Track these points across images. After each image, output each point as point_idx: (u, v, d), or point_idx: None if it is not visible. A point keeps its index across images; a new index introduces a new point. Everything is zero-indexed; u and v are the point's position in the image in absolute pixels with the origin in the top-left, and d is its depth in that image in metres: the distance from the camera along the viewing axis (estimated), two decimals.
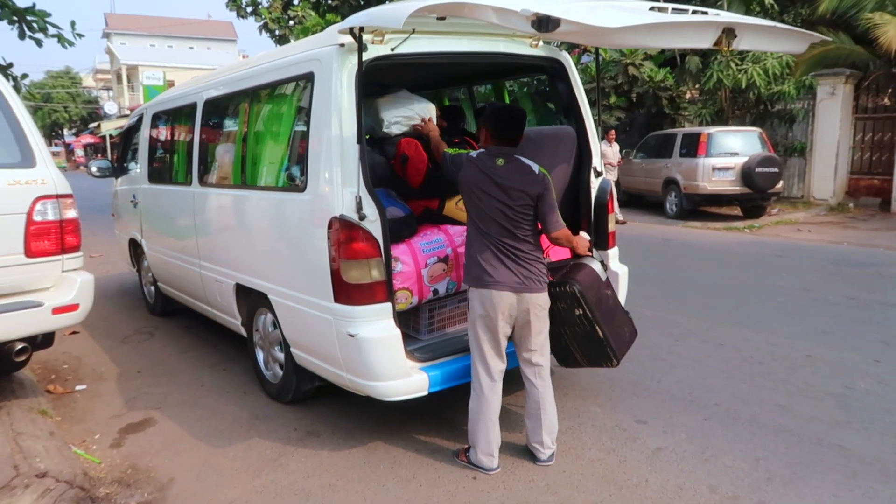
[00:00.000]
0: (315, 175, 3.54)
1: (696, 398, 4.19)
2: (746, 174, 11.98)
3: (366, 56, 3.30)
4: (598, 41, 3.27)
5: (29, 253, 3.82)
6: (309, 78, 3.64)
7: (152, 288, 6.57)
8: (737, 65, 14.11)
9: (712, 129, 12.87)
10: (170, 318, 6.45)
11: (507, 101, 5.88)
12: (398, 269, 3.60)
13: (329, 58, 3.48)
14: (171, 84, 34.09)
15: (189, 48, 57.38)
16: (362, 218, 3.32)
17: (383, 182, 3.87)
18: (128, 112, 41.12)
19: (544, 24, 2.45)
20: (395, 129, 4.10)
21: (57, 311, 3.88)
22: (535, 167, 3.27)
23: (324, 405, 4.19)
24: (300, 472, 3.44)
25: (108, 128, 42.69)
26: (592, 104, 4.49)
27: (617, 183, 15.43)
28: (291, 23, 22.27)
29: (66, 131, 58.32)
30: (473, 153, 3.39)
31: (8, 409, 4.04)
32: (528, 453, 3.46)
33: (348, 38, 3.32)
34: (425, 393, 3.42)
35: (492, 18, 2.66)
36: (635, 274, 4.73)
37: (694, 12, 3.00)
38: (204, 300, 5.22)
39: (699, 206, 13.12)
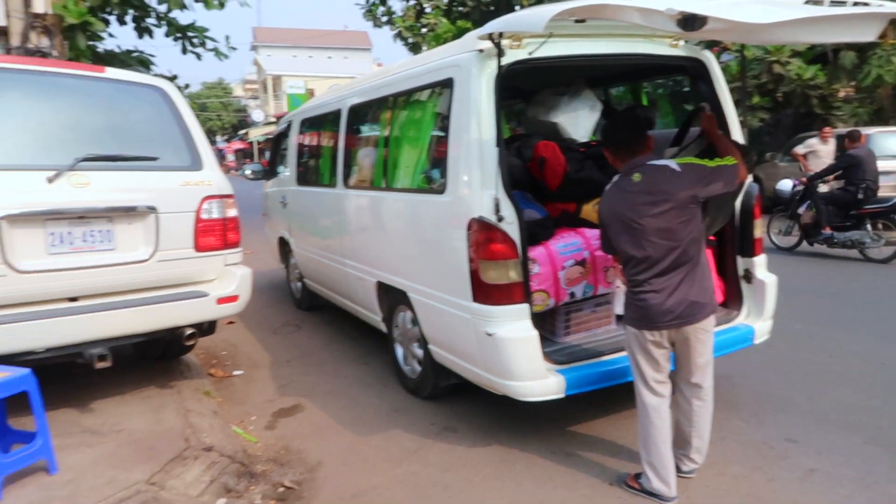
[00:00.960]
0: (454, 177, 3.65)
1: (855, 420, 3.88)
2: None
3: (504, 61, 3.36)
4: (746, 38, 3.13)
5: (197, 247, 4.21)
6: (448, 83, 3.75)
7: (299, 284, 7.01)
8: None
9: (871, 130, 11.81)
10: (314, 313, 6.86)
11: (645, 102, 5.73)
12: (535, 270, 3.63)
13: (468, 63, 3.57)
14: (311, 92, 36.04)
15: (328, 58, 60.43)
16: (500, 220, 3.38)
17: (520, 185, 3.91)
18: (273, 119, 43.96)
19: (690, 22, 2.40)
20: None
21: (220, 301, 4.24)
22: (674, 164, 2.98)
23: (460, 402, 4.29)
24: (438, 466, 3.55)
25: (255, 134, 45.87)
26: (737, 104, 4.28)
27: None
28: (424, 30, 22.84)
29: (218, 138, 63.24)
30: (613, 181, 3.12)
31: (179, 389, 4.48)
32: None
33: (487, 44, 3.40)
34: (562, 395, 3.42)
35: (635, 19, 2.62)
36: (785, 287, 4.45)
37: (855, 3, 2.78)
38: (347, 296, 5.51)
39: None
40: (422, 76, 4.16)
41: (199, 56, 13.83)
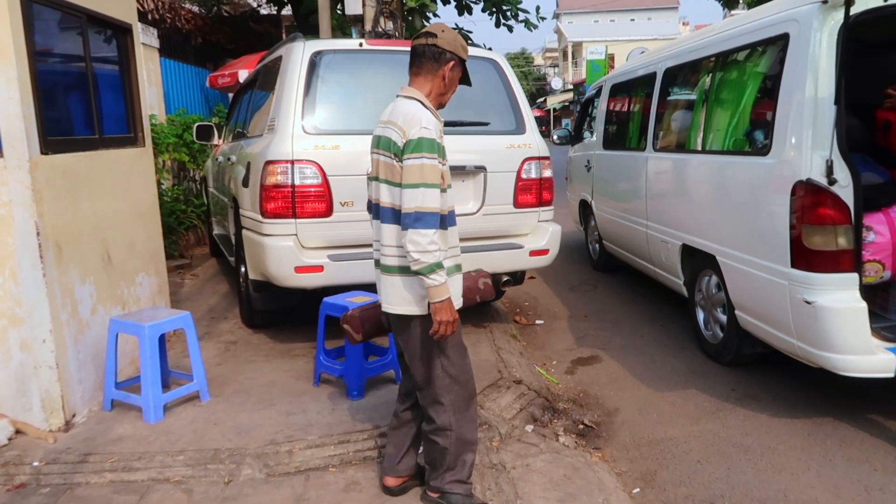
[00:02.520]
0: (781, 138, 3.50)
1: None
2: None
3: (854, 10, 3.11)
4: None
5: (516, 204, 4.66)
6: (783, 39, 3.58)
7: (597, 245, 7.24)
8: None
9: None
10: (611, 274, 7.05)
11: None
12: (870, 238, 3.35)
13: (808, 17, 3.37)
14: (611, 57, 35.57)
15: (630, 20, 58.84)
16: (832, 183, 3.18)
17: (860, 147, 3.60)
18: (570, 87, 44.43)
19: None
20: None
21: (533, 253, 4.67)
22: None
23: (763, 372, 4.16)
24: (738, 429, 3.54)
25: (553, 102, 46.90)
26: None
27: None
28: None
29: None
30: None
31: (490, 329, 5.05)
32: None
33: None
34: (890, 375, 3.15)
35: None
36: None
37: None
38: (647, 259, 5.58)
39: None
40: (752, 33, 4.01)
41: (510, 28, 14.72)
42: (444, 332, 2.40)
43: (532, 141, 4.69)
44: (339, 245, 4.34)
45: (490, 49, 14.25)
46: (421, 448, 2.83)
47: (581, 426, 3.71)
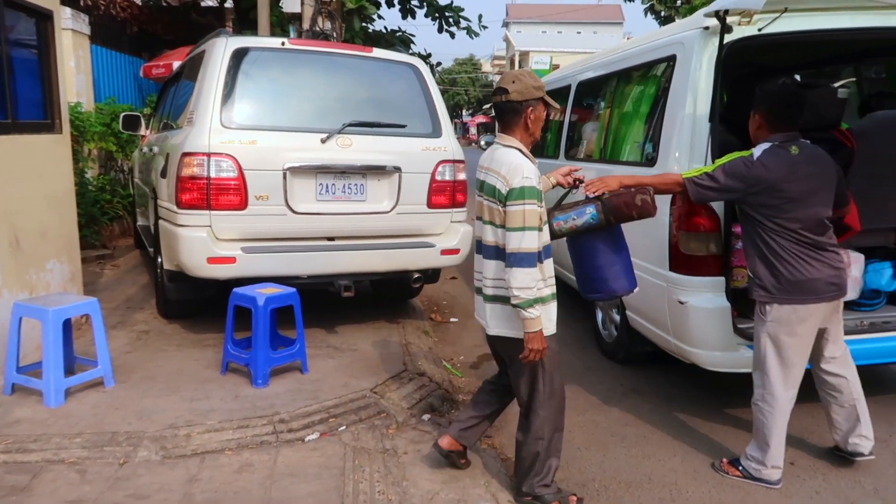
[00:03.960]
0: (665, 151, 3.79)
1: None
2: None
3: (731, 38, 3.42)
4: None
5: (429, 204, 4.86)
6: (671, 60, 3.88)
7: None
8: None
9: None
10: None
11: None
12: (738, 246, 3.65)
13: (692, 41, 3.67)
14: (555, 67, 36.37)
15: (577, 33, 60.27)
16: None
17: None
18: None
19: None
20: None
21: (444, 252, 4.87)
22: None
23: (652, 369, 4.46)
24: (619, 420, 3.81)
25: None
26: None
27: None
28: (679, 2, 21.85)
29: (464, 112, 66.58)
30: (759, 148, 3.02)
31: (403, 325, 5.23)
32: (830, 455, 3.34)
33: (713, 21, 3.46)
34: (749, 370, 3.45)
35: None
36: None
37: None
38: (559, 262, 5.82)
39: None
40: (647, 53, 4.32)
41: (452, 35, 14.94)
42: (534, 358, 2.66)
43: (447, 144, 4.90)
44: (253, 238, 4.45)
45: (430, 55, 14.42)
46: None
47: None
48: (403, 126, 4.81)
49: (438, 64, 14.84)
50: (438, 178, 4.85)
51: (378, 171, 4.70)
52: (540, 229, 2.65)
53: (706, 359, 3.51)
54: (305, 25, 9.61)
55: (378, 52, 5.04)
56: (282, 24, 11.39)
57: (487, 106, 55.30)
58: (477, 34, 15.25)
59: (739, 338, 3.51)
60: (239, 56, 4.53)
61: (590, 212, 2.99)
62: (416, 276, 4.87)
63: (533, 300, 2.56)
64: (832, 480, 3.15)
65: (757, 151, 3.03)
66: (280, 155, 4.44)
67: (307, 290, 4.63)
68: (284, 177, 4.43)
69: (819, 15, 3.58)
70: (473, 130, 58.07)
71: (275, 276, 4.37)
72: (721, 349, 3.48)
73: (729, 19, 3.35)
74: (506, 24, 64.91)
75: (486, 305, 2.82)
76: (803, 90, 3.32)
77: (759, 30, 3.49)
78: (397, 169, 4.71)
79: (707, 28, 3.59)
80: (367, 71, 4.93)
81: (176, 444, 3.23)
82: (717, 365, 3.51)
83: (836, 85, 4.90)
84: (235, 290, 4.01)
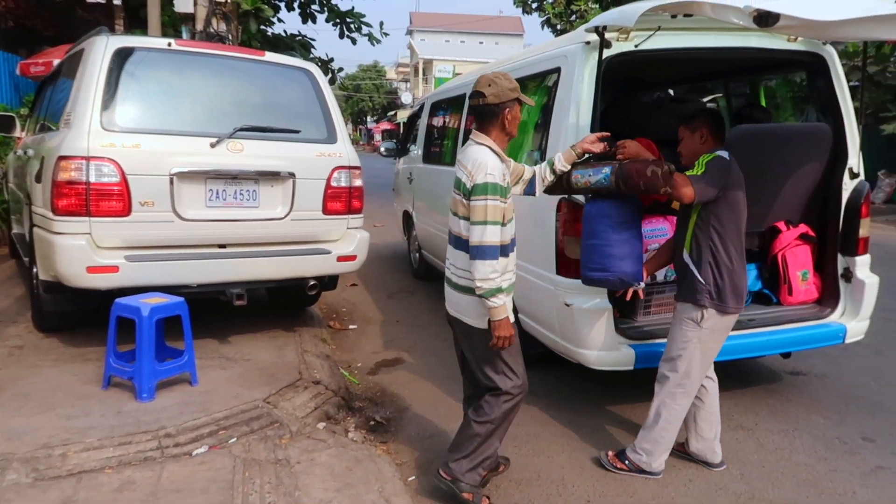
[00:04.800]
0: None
1: None
2: None
3: (609, 53, 3.60)
4: (820, 34, 3.17)
5: (325, 210, 4.82)
6: (556, 72, 4.04)
7: (417, 255, 7.57)
8: None
9: None
10: (429, 282, 7.39)
11: (763, 99, 5.63)
12: None
13: (574, 54, 3.84)
14: (458, 76, 36.89)
15: (479, 43, 61.33)
16: (588, 201, 3.64)
17: None
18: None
19: (764, 19, 2.55)
20: None
21: (340, 259, 4.84)
22: None
23: (546, 370, 4.59)
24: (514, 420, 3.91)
25: (403, 116, 47.64)
26: (881, 88, 4.18)
27: None
28: (574, 17, 22.69)
29: (368, 118, 66.33)
30: (723, 153, 3.15)
31: (300, 333, 5.15)
32: None
33: (594, 37, 3.64)
34: (630, 368, 3.65)
35: (711, 13, 2.81)
36: None
37: None
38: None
39: None
40: (535, 65, 4.47)
41: (354, 41, 14.84)
42: (502, 345, 2.76)
43: (343, 150, 4.88)
44: (138, 246, 4.27)
45: (331, 60, 14.27)
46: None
47: (372, 422, 3.92)
48: (297, 131, 4.75)
49: (340, 69, 14.73)
50: (334, 184, 4.82)
51: (272, 176, 4.62)
52: (503, 224, 2.75)
53: (591, 358, 3.67)
54: (199, 26, 9.30)
55: (271, 56, 4.95)
56: (174, 24, 10.96)
57: (392, 113, 55.40)
58: (378, 41, 15.26)
59: (621, 337, 3.70)
60: (122, 56, 4.34)
61: (605, 171, 3.10)
62: (312, 283, 4.81)
63: (495, 289, 2.67)
64: (703, 468, 3.36)
65: (724, 154, 3.13)
66: (166, 159, 4.28)
67: (198, 300, 4.49)
68: (171, 182, 4.28)
69: (689, 34, 3.84)
70: (378, 137, 57.94)
71: (162, 285, 4.20)
72: (604, 349, 3.65)
73: (608, 35, 3.53)
74: (409, 32, 65.17)
75: (456, 293, 2.90)
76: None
77: (636, 46, 3.70)
78: (291, 175, 4.65)
79: (588, 43, 3.77)
80: (259, 75, 4.85)
81: (50, 464, 3.04)
82: (601, 364, 3.67)
83: (705, 100, 5.25)
84: (118, 300, 3.83)
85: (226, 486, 2.97)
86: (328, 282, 5.11)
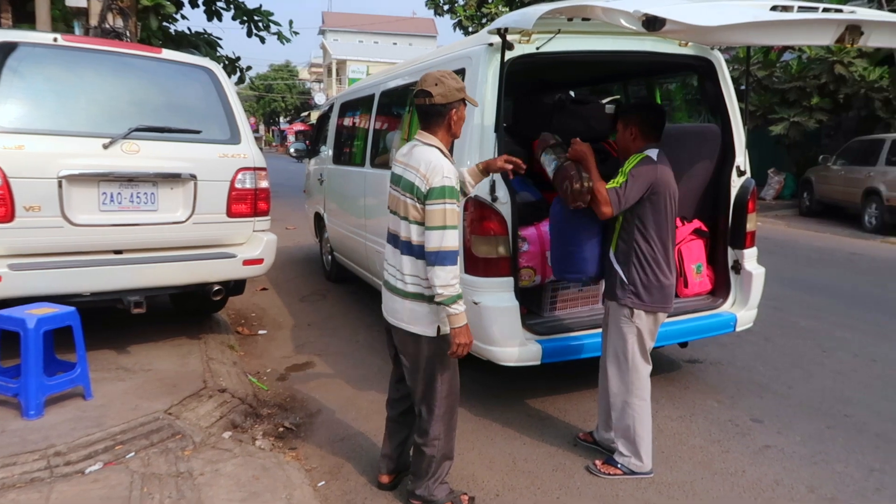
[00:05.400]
0: (459, 160, 3.97)
1: (826, 407, 4.07)
2: None
3: (512, 54, 3.67)
4: (705, 39, 3.33)
5: (229, 213, 4.67)
6: (461, 73, 4.07)
7: (329, 257, 7.47)
8: None
9: None
10: (341, 284, 7.31)
11: (658, 99, 5.90)
12: (524, 248, 3.93)
13: (478, 55, 3.89)
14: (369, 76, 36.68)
15: (393, 44, 61.23)
16: (494, 199, 3.69)
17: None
18: None
19: (652, 23, 2.65)
20: None
21: (246, 262, 4.70)
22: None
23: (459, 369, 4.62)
24: None
25: (316, 117, 46.99)
26: (769, 92, 4.43)
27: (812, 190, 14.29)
28: (485, 20, 23.01)
29: (281, 119, 64.93)
30: (651, 152, 3.19)
31: (206, 340, 4.98)
32: None
33: (497, 38, 3.70)
34: (538, 363, 3.73)
35: (603, 17, 2.91)
36: (802, 285, 4.62)
37: (825, 10, 2.94)
38: (367, 268, 5.91)
39: None
40: (442, 65, 4.47)
41: (262, 39, 14.50)
42: (462, 353, 2.71)
43: (247, 151, 4.74)
44: (24, 253, 4.01)
45: (238, 58, 13.84)
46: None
47: (281, 429, 3.83)
48: (198, 132, 4.58)
49: (248, 68, 14.34)
50: (238, 185, 4.68)
51: (171, 178, 4.44)
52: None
53: (500, 355, 3.72)
54: (93, 22, 8.84)
55: (169, 54, 4.76)
56: (66, 19, 10.39)
57: (305, 113, 54.46)
58: (288, 40, 14.96)
59: (528, 333, 3.77)
60: (2, 51, 4.06)
61: (553, 164, 3.35)
62: (217, 288, 4.65)
63: (456, 296, 2.61)
64: (606, 455, 3.47)
65: (652, 154, 3.19)
66: (54, 161, 4.04)
67: (94, 308, 4.26)
68: (60, 185, 4.04)
69: (587, 37, 3.96)
70: (292, 138, 56.77)
71: (52, 294, 3.97)
72: (513, 345, 3.71)
73: (510, 37, 3.60)
74: (322, 32, 64.30)
75: (400, 300, 2.79)
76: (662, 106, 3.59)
77: (538, 48, 3.78)
78: (192, 176, 4.48)
79: (491, 44, 3.82)
80: (156, 73, 4.64)
81: None
82: (510, 360, 3.73)
83: (604, 101, 5.45)
84: (0, 312, 3.58)
85: None
86: (234, 286, 4.95)
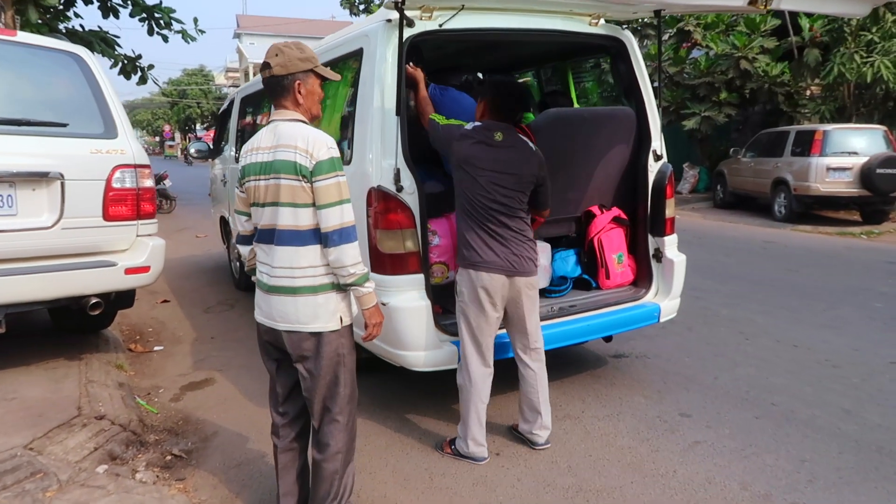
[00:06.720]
0: (360, 148, 3.62)
1: (753, 396, 3.94)
2: (866, 175, 11.03)
3: (412, 31, 3.36)
4: (627, 10, 3.15)
5: (107, 216, 4.14)
6: (359, 54, 3.73)
7: (237, 263, 6.95)
8: (862, 57, 12.95)
9: (828, 127, 11.93)
10: (252, 292, 6.77)
11: (572, 85, 5.72)
12: (435, 242, 3.62)
13: (375, 33, 3.55)
14: None
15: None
16: (399, 189, 3.36)
17: (425, 159, 3.88)
18: None
19: None
20: None
21: (129, 271, 4.17)
22: (532, 145, 3.25)
23: (371, 376, 4.26)
24: None
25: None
26: (680, 88, 4.30)
27: (725, 182, 14.67)
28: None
29: (198, 126, 62.60)
30: (469, 126, 3.26)
31: (87, 361, 4.42)
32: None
33: (395, 14, 3.36)
34: (455, 366, 3.42)
35: None
36: (721, 274, 4.50)
37: None
38: None
39: (811, 209, 12.23)
40: (339, 47, 4.12)
41: (165, 38, 13.69)
42: (377, 333, 2.56)
43: (125, 147, 4.23)
44: None
45: (139, 56, 13.00)
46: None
47: (169, 457, 3.38)
48: (64, 125, 4.05)
49: (151, 66, 13.47)
50: (116, 185, 4.17)
51: (33, 178, 3.89)
52: None
53: (413, 360, 3.39)
54: None
55: (26, 37, 4.20)
56: None
57: None
58: (193, 38, 14.21)
59: (443, 334, 3.46)
60: None
61: None
62: (95, 301, 4.11)
63: (367, 274, 2.43)
64: (532, 465, 3.20)
65: (469, 127, 3.23)
66: None
67: None
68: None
69: (494, 15, 3.69)
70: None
71: None
72: (426, 348, 3.38)
73: (410, 13, 3.29)
74: (238, 36, 62.33)
75: (300, 299, 2.42)
76: (522, 87, 3.46)
77: (441, 25, 3.48)
78: (60, 176, 3.95)
79: (390, 20, 3.49)
80: (11, 59, 4.07)
81: None
82: (424, 365, 3.41)
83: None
84: None
85: None
86: (119, 299, 4.42)
